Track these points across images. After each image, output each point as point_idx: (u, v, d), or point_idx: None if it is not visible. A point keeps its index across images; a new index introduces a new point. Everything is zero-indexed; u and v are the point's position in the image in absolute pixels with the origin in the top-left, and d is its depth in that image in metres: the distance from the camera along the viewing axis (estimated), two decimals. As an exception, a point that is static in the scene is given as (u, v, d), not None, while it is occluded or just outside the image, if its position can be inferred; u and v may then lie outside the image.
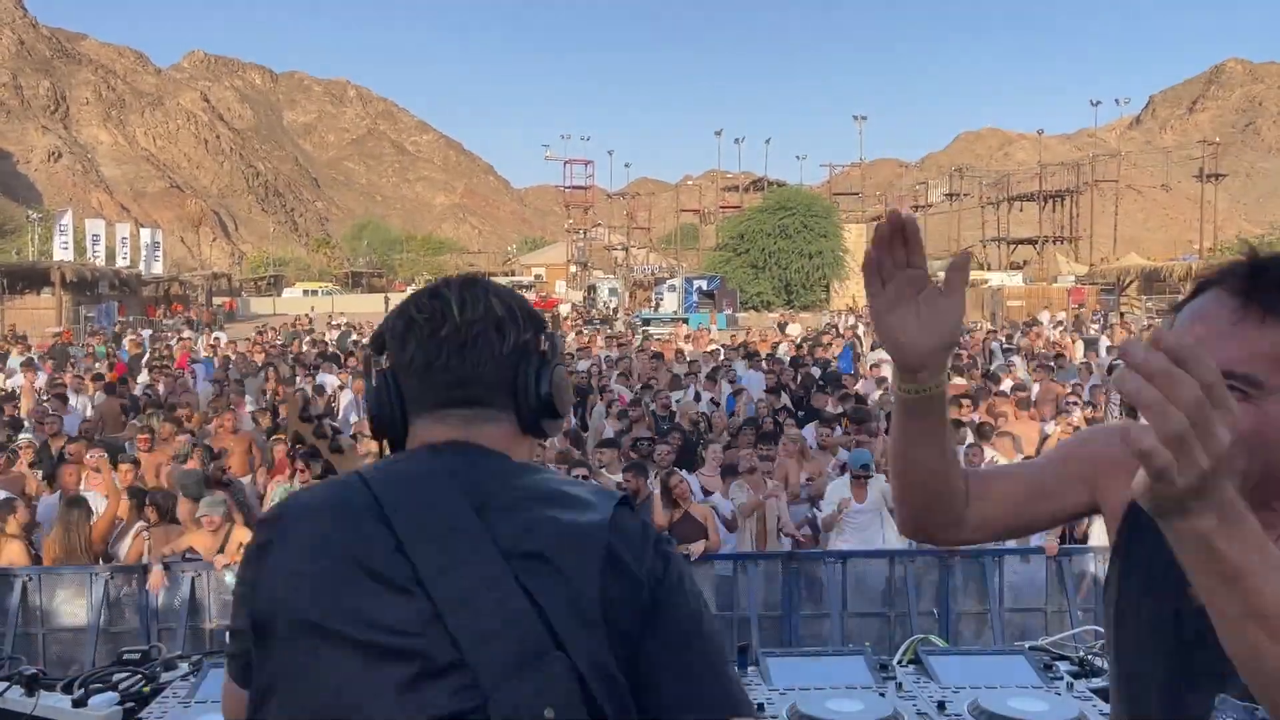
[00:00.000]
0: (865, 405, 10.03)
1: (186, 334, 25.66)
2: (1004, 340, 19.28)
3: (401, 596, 1.03)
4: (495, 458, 1.16)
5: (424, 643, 1.01)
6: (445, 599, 1.02)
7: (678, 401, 11.02)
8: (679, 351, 17.35)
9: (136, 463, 7.57)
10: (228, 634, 1.20)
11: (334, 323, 27.55)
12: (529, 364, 1.18)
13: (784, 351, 17.85)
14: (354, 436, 9.17)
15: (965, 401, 9.71)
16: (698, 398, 11.69)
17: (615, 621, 1.04)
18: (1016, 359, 15.27)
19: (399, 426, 1.21)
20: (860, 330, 22.40)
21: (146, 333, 25.85)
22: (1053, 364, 13.86)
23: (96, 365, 16.78)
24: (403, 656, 1.01)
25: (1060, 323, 26.53)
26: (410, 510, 1.08)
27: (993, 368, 14.46)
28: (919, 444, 1.27)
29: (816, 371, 13.92)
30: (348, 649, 1.03)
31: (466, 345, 1.16)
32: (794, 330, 25.15)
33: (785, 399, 11.43)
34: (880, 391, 11.48)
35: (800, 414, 10.51)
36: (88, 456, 7.30)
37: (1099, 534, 6.77)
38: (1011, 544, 6.54)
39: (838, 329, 23.68)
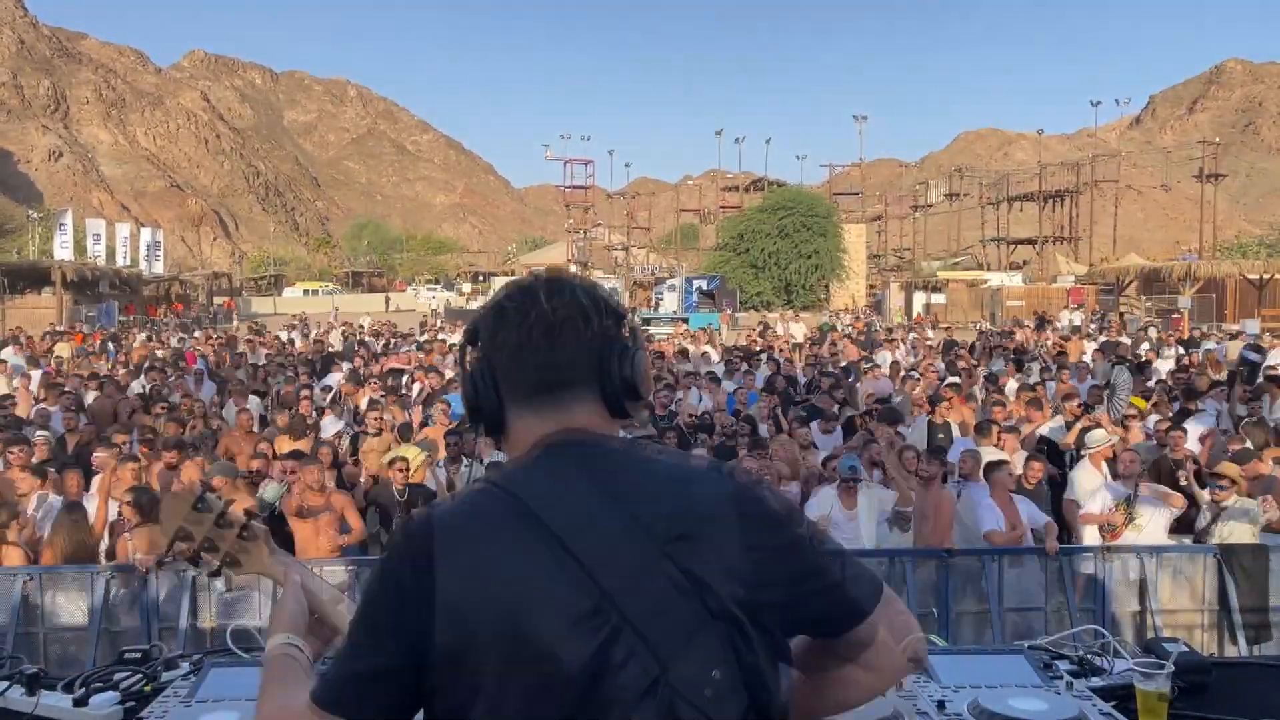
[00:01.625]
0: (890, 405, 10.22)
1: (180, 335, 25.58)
2: (995, 339, 19.36)
3: (578, 592, 1.11)
4: (606, 442, 1.24)
5: (607, 629, 1.10)
6: (613, 587, 1.11)
7: (679, 401, 11.02)
8: (681, 351, 17.38)
9: (136, 458, 7.55)
10: (344, 678, 1.14)
11: (295, 323, 26.93)
12: (612, 348, 1.26)
13: (781, 353, 17.86)
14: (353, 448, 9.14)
15: (948, 400, 9.75)
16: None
17: (763, 574, 1.18)
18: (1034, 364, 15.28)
19: (496, 411, 1.28)
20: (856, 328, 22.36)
21: (141, 335, 25.74)
22: (1053, 364, 13.90)
23: (99, 364, 16.77)
24: (592, 646, 1.10)
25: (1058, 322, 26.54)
26: (560, 510, 1.15)
27: (993, 369, 14.48)
28: None
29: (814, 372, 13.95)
30: (545, 658, 1.09)
31: (554, 329, 1.23)
32: (797, 330, 25.09)
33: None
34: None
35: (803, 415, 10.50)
36: (95, 456, 7.30)
37: (1094, 534, 6.79)
38: (1011, 544, 6.55)
39: (837, 328, 23.66)
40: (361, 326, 25.99)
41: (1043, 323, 25.58)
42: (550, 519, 1.14)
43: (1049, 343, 19.16)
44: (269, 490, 7.13)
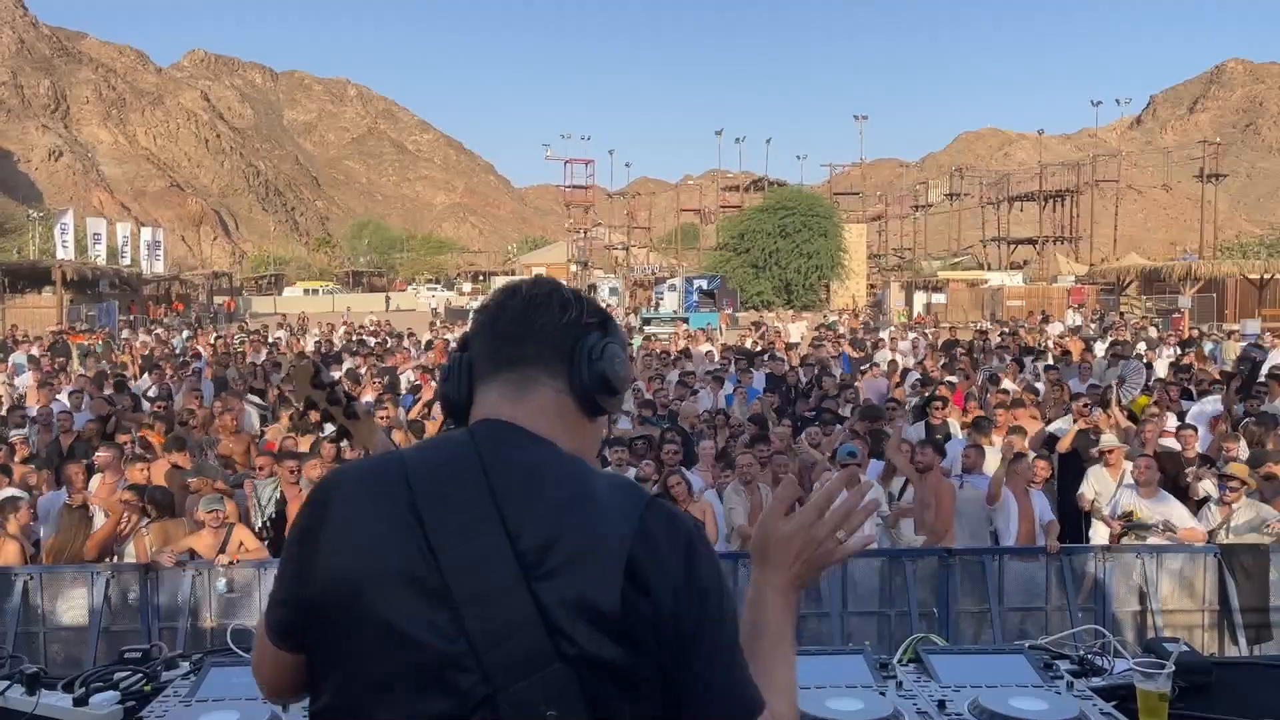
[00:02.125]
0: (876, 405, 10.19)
1: (185, 334, 25.57)
2: (998, 339, 19.37)
3: (426, 591, 1.08)
4: (528, 445, 1.18)
5: (442, 636, 1.07)
6: (464, 597, 1.07)
7: (677, 401, 11.02)
8: (684, 351, 17.39)
9: (144, 457, 7.56)
10: (271, 598, 1.24)
11: (283, 323, 26.79)
12: (587, 338, 1.25)
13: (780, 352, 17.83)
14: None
15: (937, 403, 9.75)
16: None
17: (636, 633, 1.06)
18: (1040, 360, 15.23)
19: (463, 401, 1.28)
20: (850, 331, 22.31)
21: (143, 335, 25.67)
22: (1057, 364, 13.91)
23: (100, 365, 16.75)
24: (425, 647, 1.07)
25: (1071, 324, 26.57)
26: (439, 504, 1.12)
27: (992, 368, 14.47)
28: None
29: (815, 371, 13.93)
30: (381, 635, 1.09)
31: (529, 309, 1.25)
32: (794, 330, 25.07)
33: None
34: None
35: (811, 414, 10.51)
36: (98, 455, 7.30)
37: (1100, 534, 6.78)
38: (1011, 543, 6.56)
39: (833, 329, 23.63)
40: (363, 326, 26.07)
41: (1046, 320, 25.63)
42: (425, 509, 1.11)
43: (1049, 342, 19.18)
44: (264, 490, 7.14)
